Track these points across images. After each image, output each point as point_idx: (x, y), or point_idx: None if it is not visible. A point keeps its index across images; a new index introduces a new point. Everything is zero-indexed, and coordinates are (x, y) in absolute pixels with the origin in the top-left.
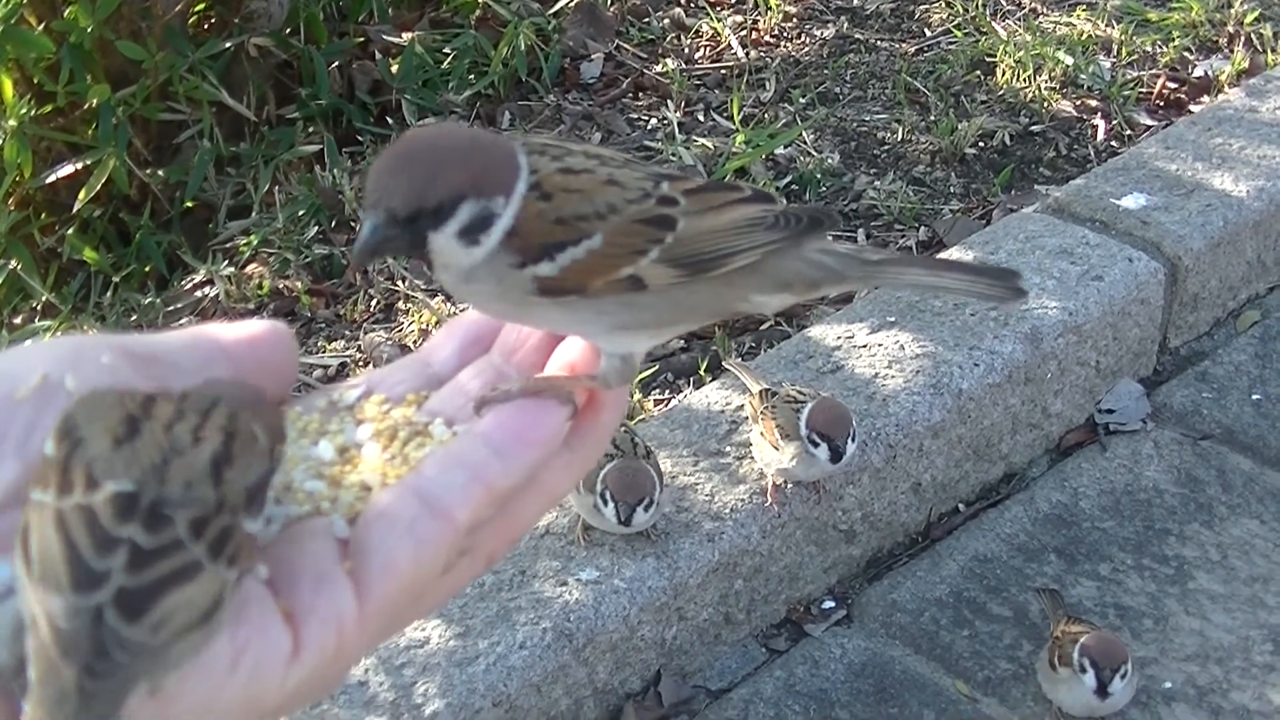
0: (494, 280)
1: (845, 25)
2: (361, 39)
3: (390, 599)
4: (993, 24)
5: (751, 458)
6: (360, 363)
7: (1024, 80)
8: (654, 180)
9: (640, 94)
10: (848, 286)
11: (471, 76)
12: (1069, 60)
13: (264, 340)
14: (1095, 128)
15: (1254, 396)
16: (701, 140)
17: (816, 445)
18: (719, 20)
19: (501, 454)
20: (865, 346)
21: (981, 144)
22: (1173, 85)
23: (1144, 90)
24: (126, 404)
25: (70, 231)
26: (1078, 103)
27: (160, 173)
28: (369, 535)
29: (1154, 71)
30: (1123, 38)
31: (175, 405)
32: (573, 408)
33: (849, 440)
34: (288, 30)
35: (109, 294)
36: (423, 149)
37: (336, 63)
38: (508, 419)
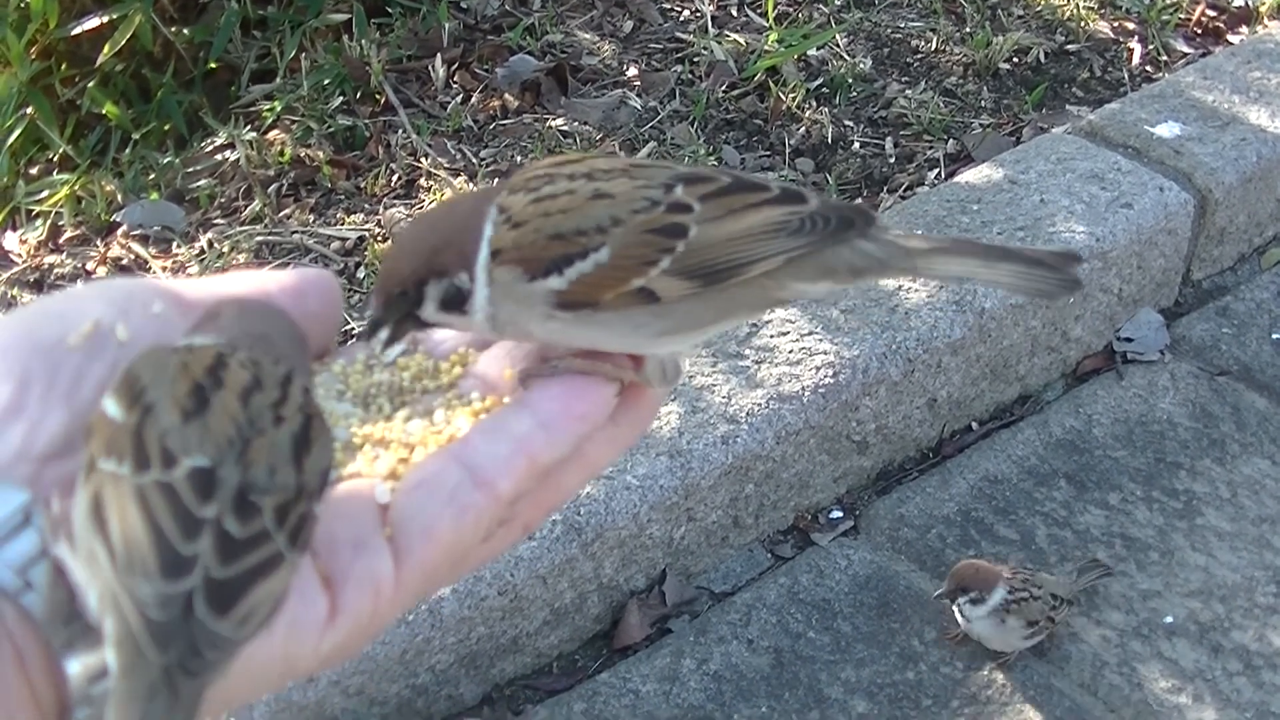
0: (512, 303)
1: None
2: None
3: (429, 566)
4: None
5: (770, 362)
6: (379, 238)
7: None
8: (665, 186)
9: None
10: (894, 275)
11: None
12: None
13: (310, 290)
14: (1131, 51)
15: (1274, 335)
16: (734, 36)
17: None
18: None
19: (547, 427)
20: None
21: (1016, 59)
22: (1211, 13)
23: (1183, 16)
24: (193, 370)
25: (91, 85)
26: (1115, 24)
27: (185, 31)
28: (410, 502)
29: None
30: None
31: (250, 371)
32: (620, 384)
33: None
34: None
35: (127, 150)
36: (401, 237)
37: None
38: (556, 392)
